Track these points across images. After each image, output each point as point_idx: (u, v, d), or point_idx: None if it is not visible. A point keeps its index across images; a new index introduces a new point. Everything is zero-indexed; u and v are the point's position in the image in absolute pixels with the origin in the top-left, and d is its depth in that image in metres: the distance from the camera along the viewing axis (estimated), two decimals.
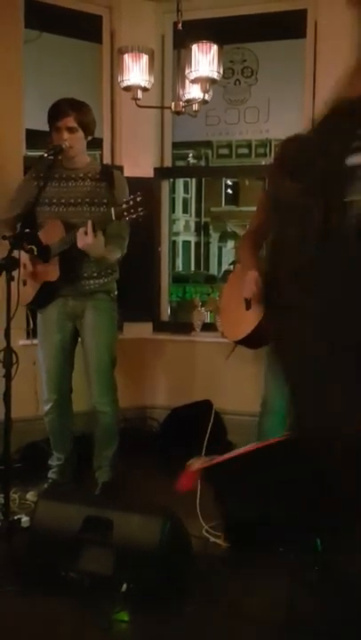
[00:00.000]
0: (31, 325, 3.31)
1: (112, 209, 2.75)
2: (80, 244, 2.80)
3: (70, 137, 2.93)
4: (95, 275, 3.04)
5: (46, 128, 3.07)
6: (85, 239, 2.78)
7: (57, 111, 2.94)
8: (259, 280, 2.82)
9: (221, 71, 2.80)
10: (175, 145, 4.26)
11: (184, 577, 2.34)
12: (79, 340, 3.16)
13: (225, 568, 2.50)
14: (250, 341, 2.90)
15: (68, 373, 3.18)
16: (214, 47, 2.75)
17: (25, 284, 3.05)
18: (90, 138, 3.06)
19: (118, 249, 3.00)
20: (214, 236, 25.53)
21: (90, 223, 2.77)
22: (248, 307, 2.92)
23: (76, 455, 3.28)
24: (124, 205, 2.70)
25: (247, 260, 2.97)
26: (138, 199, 2.68)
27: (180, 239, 23.94)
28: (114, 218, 2.75)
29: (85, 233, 2.77)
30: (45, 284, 3.01)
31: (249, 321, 2.86)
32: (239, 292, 2.97)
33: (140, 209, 2.68)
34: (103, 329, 3.09)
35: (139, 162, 4.05)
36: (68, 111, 2.92)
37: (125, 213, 2.71)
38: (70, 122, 2.92)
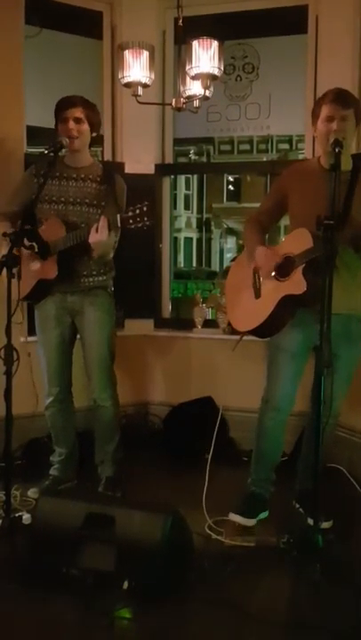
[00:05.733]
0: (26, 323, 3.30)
1: (117, 216, 2.75)
2: (92, 240, 2.79)
3: (77, 128, 2.93)
4: (94, 273, 3.06)
5: (47, 124, 3.06)
6: (98, 235, 2.77)
7: (65, 101, 2.94)
8: (269, 252, 2.78)
9: (222, 67, 2.78)
10: (176, 141, 4.24)
11: (186, 574, 2.34)
12: (77, 336, 3.16)
13: (227, 565, 2.49)
14: (262, 330, 2.81)
15: (68, 367, 3.19)
16: (215, 43, 2.73)
17: (20, 278, 3.04)
18: (94, 134, 3.06)
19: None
20: (216, 233, 25.55)
21: (104, 219, 2.77)
22: (258, 295, 2.84)
23: (79, 451, 3.29)
24: (130, 214, 2.71)
25: (252, 241, 2.90)
26: (144, 208, 2.69)
27: (181, 235, 23.96)
28: (119, 225, 2.76)
29: (97, 230, 2.77)
30: (41, 281, 3.00)
31: (262, 309, 2.77)
32: (245, 281, 2.89)
33: (145, 218, 2.69)
34: (102, 324, 3.10)
35: (140, 158, 4.03)
36: (76, 102, 2.93)
37: (131, 221, 2.71)
38: (78, 112, 2.92)
